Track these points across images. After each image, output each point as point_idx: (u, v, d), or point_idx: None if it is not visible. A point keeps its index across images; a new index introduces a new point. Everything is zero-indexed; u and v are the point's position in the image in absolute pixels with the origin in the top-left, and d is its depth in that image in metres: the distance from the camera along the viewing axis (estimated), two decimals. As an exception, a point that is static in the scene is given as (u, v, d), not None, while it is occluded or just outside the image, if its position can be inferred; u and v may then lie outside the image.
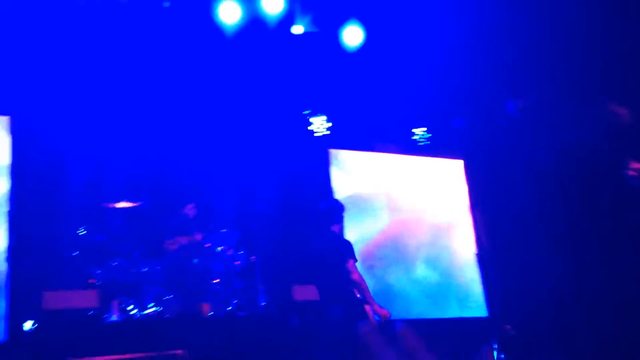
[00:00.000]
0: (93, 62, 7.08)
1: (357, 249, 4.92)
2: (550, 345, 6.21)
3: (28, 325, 4.83)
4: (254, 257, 6.56)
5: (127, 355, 4.16)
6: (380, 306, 4.49)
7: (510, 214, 6.23)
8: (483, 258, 6.53)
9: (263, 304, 6.19)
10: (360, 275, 4.56)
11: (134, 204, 6.50)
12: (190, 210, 6.43)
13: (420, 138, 7.92)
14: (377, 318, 4.50)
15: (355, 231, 6.77)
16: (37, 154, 6.71)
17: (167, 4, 6.72)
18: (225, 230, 6.57)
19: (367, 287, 4.53)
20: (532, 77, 6.70)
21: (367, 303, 4.52)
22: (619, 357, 4.31)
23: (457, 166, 7.43)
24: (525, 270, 6.19)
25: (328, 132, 7.77)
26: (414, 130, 7.93)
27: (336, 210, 5.36)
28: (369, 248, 6.95)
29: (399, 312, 6.57)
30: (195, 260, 5.99)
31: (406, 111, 7.94)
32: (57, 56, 6.73)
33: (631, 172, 3.60)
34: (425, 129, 8.00)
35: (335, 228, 5.20)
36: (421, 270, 6.97)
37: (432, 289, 6.87)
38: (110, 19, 6.84)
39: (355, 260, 4.68)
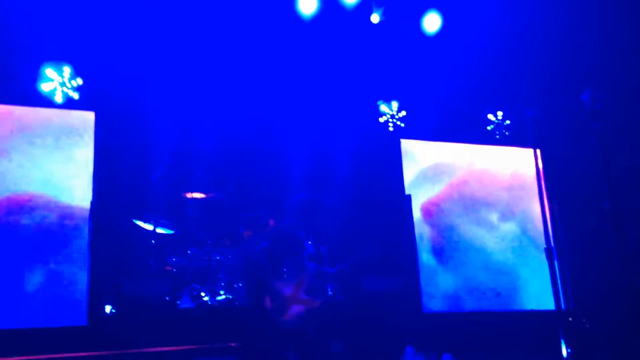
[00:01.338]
0: (176, 55, 7.43)
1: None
2: (622, 341, 5.91)
3: (107, 310, 5.20)
4: (323, 247, 6.63)
5: (178, 347, 4.35)
6: None
7: (586, 207, 5.95)
8: (556, 251, 6.26)
9: (330, 293, 6.27)
10: None
11: (211, 195, 6.73)
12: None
13: (495, 127, 7.69)
14: None
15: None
16: (120, 147, 7.16)
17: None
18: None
19: None
20: (610, 68, 6.33)
21: None
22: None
23: (531, 156, 7.12)
24: (600, 264, 5.91)
25: (401, 123, 7.72)
26: (488, 119, 7.72)
27: (403, 202, 5.36)
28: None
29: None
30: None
31: (481, 100, 7.74)
32: (140, 50, 7.12)
33: None
34: (499, 117, 7.76)
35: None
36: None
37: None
38: (194, 11, 7.15)
39: None
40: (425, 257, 6.66)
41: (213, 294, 5.85)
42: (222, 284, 5.98)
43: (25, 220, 5.16)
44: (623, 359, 5.59)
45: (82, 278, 5.06)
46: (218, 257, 6.19)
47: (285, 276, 4.88)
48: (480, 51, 7.52)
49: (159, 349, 4.75)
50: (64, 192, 5.36)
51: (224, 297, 5.86)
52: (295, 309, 4.71)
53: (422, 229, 6.76)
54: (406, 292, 6.34)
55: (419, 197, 6.88)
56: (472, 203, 7.07)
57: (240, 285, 5.91)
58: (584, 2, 6.34)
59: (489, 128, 7.74)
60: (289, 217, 5.44)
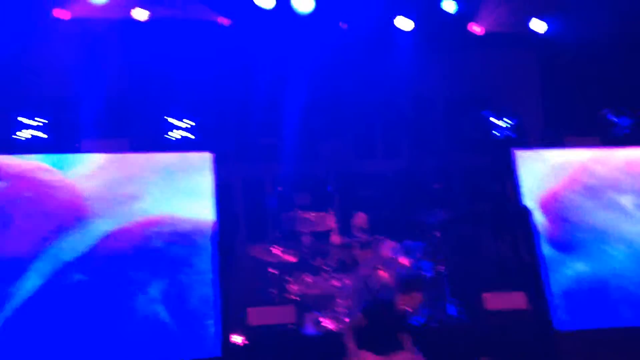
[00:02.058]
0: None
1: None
2: None
3: (237, 340, 5.42)
4: (442, 266, 6.51)
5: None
6: None
7: None
8: None
9: (454, 314, 6.14)
10: None
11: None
12: (360, 219, 6.66)
13: (618, 126, 7.21)
14: None
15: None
16: (239, 183, 7.53)
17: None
18: (409, 241, 6.63)
19: None
20: None
21: None
22: None
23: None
24: None
25: (512, 133, 7.46)
26: (609, 118, 7.25)
27: (522, 215, 5.15)
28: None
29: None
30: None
31: (595, 101, 7.32)
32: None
33: None
34: (624, 115, 7.28)
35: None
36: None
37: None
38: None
39: None
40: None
41: (335, 320, 5.91)
42: (343, 310, 6.03)
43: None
44: None
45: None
46: (336, 283, 6.26)
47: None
48: (592, 51, 7.16)
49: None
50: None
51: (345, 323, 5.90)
52: None
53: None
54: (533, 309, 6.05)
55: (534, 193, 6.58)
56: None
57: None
58: None
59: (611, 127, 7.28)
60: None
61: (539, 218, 6.48)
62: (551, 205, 6.65)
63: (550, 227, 6.48)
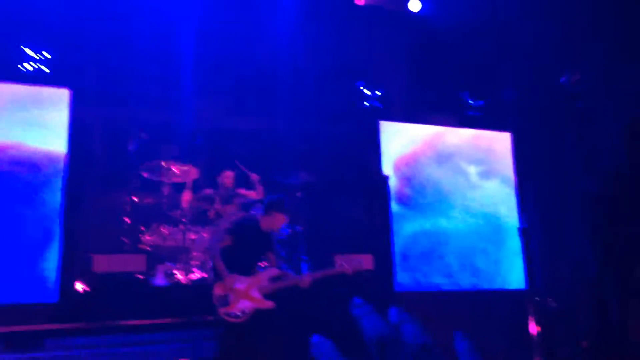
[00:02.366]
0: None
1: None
2: (588, 320, 6.06)
3: (78, 287, 5.21)
4: (299, 226, 6.67)
5: (166, 320, 4.39)
6: None
7: (557, 189, 6.03)
8: (527, 231, 6.38)
9: (306, 273, 6.33)
10: None
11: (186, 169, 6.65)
12: (228, 178, 6.67)
13: (470, 110, 7.74)
14: None
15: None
16: (94, 122, 7.14)
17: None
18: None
19: None
20: (590, 50, 6.37)
21: None
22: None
23: (506, 139, 7.23)
24: (568, 245, 6.03)
25: (379, 104, 7.75)
26: (465, 101, 7.77)
27: (379, 182, 5.45)
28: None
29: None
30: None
31: (458, 82, 7.78)
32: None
33: None
34: (475, 100, 7.82)
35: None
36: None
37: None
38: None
39: None
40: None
41: (187, 272, 5.88)
42: (197, 263, 6.00)
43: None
44: (585, 337, 5.73)
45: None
46: (193, 236, 6.20)
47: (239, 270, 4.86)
48: (459, 34, 7.56)
49: (133, 322, 4.77)
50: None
51: (198, 276, 5.89)
52: (243, 305, 4.73)
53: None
54: (378, 271, 6.42)
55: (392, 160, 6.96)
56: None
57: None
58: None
59: (466, 110, 7.79)
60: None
61: (393, 183, 6.85)
62: (403, 168, 7.07)
63: (400, 188, 6.88)
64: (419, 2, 8.35)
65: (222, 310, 4.67)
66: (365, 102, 7.78)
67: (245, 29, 8.01)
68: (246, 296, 4.75)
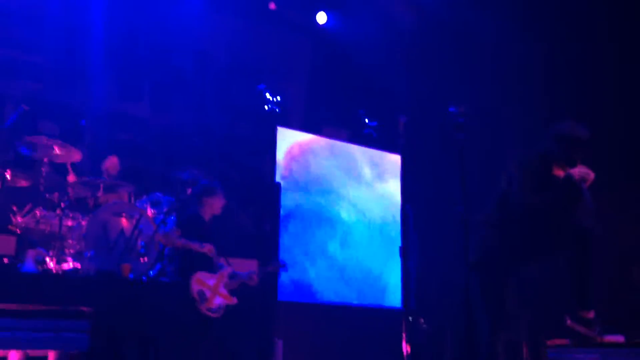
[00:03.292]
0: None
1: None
2: (458, 342, 6.51)
3: None
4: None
5: (30, 307, 4.07)
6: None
7: (439, 213, 6.43)
8: (406, 251, 6.71)
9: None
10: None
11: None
12: (112, 164, 6.40)
13: (366, 128, 8.03)
14: None
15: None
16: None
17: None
18: (159, 194, 6.49)
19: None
20: (479, 84, 6.91)
21: None
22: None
23: (396, 160, 7.57)
24: (444, 268, 6.44)
25: (277, 110, 7.79)
26: (361, 119, 8.05)
27: (271, 189, 5.57)
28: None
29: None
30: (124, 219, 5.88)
31: (356, 98, 8.05)
32: None
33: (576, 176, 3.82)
34: (371, 119, 8.13)
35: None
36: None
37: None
38: None
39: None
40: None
41: (60, 261, 5.50)
42: (71, 251, 5.64)
43: None
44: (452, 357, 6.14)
45: None
46: (70, 222, 5.82)
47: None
48: (364, 52, 7.83)
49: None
50: None
51: (71, 265, 5.53)
52: (217, 300, 5.07)
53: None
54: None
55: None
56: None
57: (91, 254, 5.60)
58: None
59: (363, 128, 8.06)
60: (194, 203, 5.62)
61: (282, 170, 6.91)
62: (294, 152, 7.17)
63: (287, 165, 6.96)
64: (324, 14, 8.55)
65: (203, 306, 4.97)
66: (265, 106, 7.79)
67: (152, 13, 7.76)
68: (217, 292, 5.07)
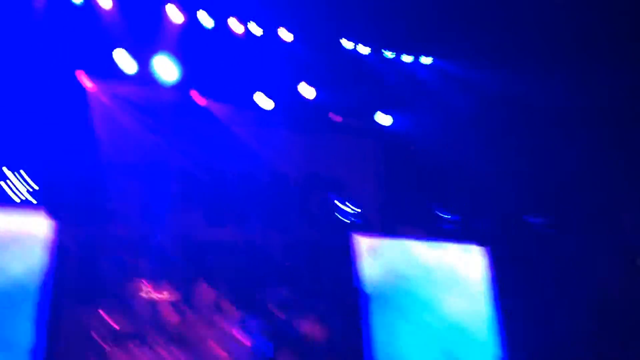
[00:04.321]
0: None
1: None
2: None
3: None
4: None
5: None
6: None
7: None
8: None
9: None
10: None
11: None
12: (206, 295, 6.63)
13: (445, 223, 7.96)
14: None
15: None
16: (75, 245, 7.13)
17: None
18: (254, 320, 6.64)
19: None
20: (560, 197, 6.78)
21: None
22: None
23: (479, 254, 7.37)
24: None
25: (354, 218, 7.92)
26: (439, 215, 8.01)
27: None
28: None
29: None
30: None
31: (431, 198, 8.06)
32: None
33: None
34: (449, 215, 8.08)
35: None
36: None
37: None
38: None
39: None
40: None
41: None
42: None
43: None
44: None
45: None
46: (165, 356, 6.06)
47: None
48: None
49: None
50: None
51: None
52: None
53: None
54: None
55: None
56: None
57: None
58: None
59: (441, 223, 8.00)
60: None
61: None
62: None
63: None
64: (389, 116, 8.80)
65: None
66: (341, 216, 7.96)
67: (225, 139, 8.28)
68: None
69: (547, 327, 5.59)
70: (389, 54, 8.67)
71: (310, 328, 5.81)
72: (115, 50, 7.16)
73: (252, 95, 8.12)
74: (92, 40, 7.08)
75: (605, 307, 3.95)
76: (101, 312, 6.02)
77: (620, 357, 4.00)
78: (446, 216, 8.02)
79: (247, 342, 6.28)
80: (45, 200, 6.25)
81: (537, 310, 6.25)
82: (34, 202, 6.24)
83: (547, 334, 6.07)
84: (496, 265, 6.87)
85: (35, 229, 5.77)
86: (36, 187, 6.35)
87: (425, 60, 8.52)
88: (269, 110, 8.25)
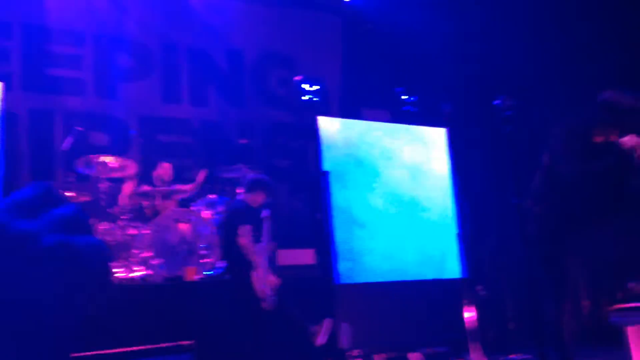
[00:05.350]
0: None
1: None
2: (520, 309, 6.62)
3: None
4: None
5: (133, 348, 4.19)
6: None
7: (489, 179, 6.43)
8: (462, 220, 6.80)
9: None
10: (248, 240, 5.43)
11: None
12: (165, 170, 6.59)
13: (406, 105, 7.97)
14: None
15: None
16: (25, 115, 6.78)
17: None
18: (214, 195, 6.67)
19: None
20: (525, 76, 6.80)
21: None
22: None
23: (440, 134, 7.51)
24: (500, 234, 6.51)
25: (316, 99, 7.82)
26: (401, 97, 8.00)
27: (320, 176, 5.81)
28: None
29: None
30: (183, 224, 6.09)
31: (394, 79, 8.01)
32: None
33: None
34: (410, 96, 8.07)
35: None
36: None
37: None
38: None
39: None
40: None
41: (128, 270, 5.76)
42: (137, 260, 5.88)
43: None
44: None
45: None
46: (133, 233, 6.06)
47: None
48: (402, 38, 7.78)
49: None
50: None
51: (140, 273, 5.79)
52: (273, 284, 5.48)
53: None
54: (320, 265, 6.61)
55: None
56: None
57: (159, 261, 5.84)
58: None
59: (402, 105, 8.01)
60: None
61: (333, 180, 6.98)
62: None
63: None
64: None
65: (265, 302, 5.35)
66: (302, 94, 7.84)
67: (184, 14, 7.86)
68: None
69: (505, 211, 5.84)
70: None
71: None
72: None
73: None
74: None
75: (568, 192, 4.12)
76: (65, 192, 5.83)
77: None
78: (407, 97, 8.01)
79: (205, 215, 6.34)
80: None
81: (495, 192, 6.54)
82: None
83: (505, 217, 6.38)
84: (457, 147, 7.03)
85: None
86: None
87: None
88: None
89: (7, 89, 6.05)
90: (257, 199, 5.85)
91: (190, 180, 6.95)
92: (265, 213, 5.76)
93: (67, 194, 5.92)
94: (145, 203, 6.43)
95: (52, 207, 4.06)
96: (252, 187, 5.93)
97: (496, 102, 4.28)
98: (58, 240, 3.80)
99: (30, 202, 3.98)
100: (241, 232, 5.54)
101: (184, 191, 6.66)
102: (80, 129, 6.27)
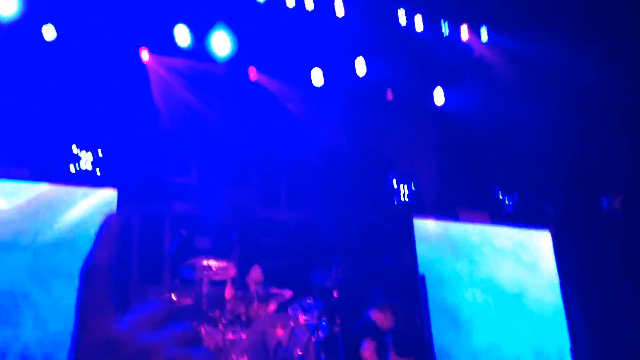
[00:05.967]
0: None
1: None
2: None
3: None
4: (337, 327, 6.56)
5: None
6: None
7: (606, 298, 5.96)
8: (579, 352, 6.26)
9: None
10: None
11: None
12: (257, 274, 6.64)
13: (507, 205, 7.77)
14: None
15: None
16: (137, 221, 7.21)
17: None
18: (309, 299, 6.64)
19: None
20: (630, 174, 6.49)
21: None
22: None
23: (544, 237, 7.17)
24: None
25: (410, 199, 7.81)
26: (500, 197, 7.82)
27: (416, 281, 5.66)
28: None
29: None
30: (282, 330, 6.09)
31: (492, 178, 7.87)
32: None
33: None
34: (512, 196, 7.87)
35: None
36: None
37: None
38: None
39: None
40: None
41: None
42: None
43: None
44: None
45: None
46: (232, 337, 6.10)
47: None
48: (493, 134, 7.72)
49: None
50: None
51: (238, 379, 5.76)
52: None
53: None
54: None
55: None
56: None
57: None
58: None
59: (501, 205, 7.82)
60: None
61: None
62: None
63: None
64: (442, 94, 8.61)
65: None
66: (396, 196, 7.85)
67: (277, 118, 8.23)
68: None
69: (616, 319, 5.39)
70: (444, 28, 8.42)
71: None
72: (175, 26, 7.10)
73: (306, 71, 8.01)
74: (151, 16, 7.03)
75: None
76: (169, 293, 6.04)
77: None
78: (506, 198, 7.82)
79: (302, 320, 6.28)
80: (110, 175, 6.27)
81: (607, 299, 6.06)
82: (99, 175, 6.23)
83: (616, 326, 5.89)
84: (562, 249, 6.67)
85: (102, 206, 5.76)
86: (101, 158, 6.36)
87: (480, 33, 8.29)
88: (322, 87, 8.13)
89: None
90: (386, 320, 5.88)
91: (287, 284, 6.98)
92: (388, 338, 5.76)
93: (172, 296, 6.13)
94: (242, 307, 6.49)
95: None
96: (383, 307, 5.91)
97: (604, 202, 4.07)
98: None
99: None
100: (366, 346, 5.50)
101: (279, 294, 6.68)
102: (184, 233, 6.55)
